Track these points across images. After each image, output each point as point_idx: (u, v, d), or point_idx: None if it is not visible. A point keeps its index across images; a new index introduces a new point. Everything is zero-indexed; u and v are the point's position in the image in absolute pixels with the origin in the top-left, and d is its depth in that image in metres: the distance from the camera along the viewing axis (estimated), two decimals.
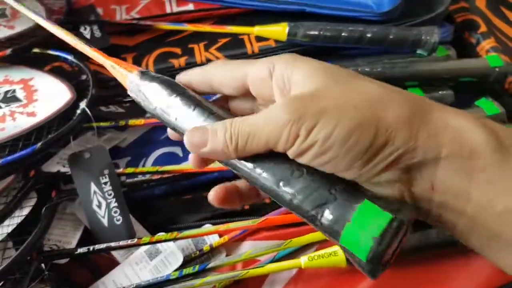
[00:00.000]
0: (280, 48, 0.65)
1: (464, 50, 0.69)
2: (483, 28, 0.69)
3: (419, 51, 0.63)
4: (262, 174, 0.30)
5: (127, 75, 0.37)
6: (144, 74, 0.36)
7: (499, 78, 0.60)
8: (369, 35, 0.61)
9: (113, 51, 0.65)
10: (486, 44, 0.67)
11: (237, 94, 0.35)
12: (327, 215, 0.27)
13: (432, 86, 0.59)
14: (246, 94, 0.34)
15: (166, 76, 0.64)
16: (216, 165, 0.53)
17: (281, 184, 0.29)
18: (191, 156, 0.36)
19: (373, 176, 0.28)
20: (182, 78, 0.36)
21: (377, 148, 0.27)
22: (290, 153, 0.29)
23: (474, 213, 0.27)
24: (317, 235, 0.48)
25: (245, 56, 0.65)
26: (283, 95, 0.31)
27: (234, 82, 0.34)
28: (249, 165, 0.30)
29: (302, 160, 0.28)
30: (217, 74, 0.35)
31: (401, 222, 0.25)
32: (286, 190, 0.29)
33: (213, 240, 0.50)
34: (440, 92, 0.58)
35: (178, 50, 0.66)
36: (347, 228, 0.26)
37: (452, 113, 0.28)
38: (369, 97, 0.28)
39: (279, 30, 0.63)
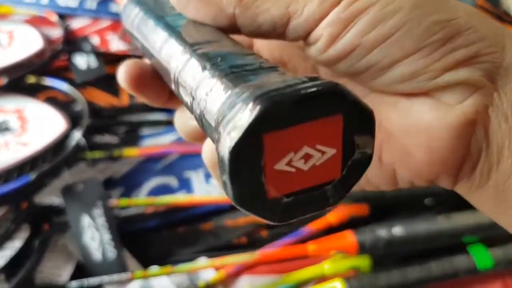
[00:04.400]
0: None
1: None
2: None
3: None
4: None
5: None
6: None
7: None
8: None
9: (109, 80, 0.66)
10: None
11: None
12: None
13: None
14: None
15: None
16: (210, 197, 0.53)
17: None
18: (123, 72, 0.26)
19: (445, 69, 0.20)
20: None
21: (457, 28, 0.20)
22: (332, 18, 0.20)
23: None
24: (315, 270, 0.48)
25: None
26: None
27: None
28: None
29: (351, 32, 0.20)
30: None
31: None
32: None
33: (209, 274, 0.50)
34: None
35: None
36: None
37: None
38: None
39: None
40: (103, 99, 0.64)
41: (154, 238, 0.53)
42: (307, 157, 0.15)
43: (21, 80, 0.62)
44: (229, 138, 0.14)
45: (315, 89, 0.15)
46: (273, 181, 0.15)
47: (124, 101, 0.64)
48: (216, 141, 0.15)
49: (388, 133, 0.22)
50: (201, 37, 0.22)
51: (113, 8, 0.69)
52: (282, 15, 0.21)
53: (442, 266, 0.47)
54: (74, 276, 0.49)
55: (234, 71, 0.18)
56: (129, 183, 0.58)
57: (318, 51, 0.21)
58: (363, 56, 0.20)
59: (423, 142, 0.21)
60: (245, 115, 0.14)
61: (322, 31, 0.20)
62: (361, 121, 0.16)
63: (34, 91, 0.62)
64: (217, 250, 0.52)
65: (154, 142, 0.60)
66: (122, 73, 0.26)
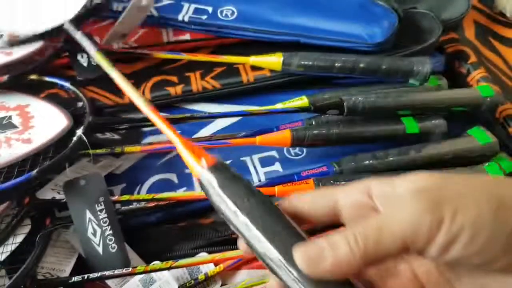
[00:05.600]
0: (275, 77, 0.66)
1: (454, 80, 0.71)
2: (473, 58, 0.71)
3: (411, 81, 0.64)
4: None
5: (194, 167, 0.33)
6: (214, 168, 0.32)
7: (490, 107, 0.61)
8: (362, 65, 0.63)
9: (110, 79, 0.66)
10: (477, 74, 0.69)
11: (326, 222, 0.32)
12: None
13: (424, 115, 0.60)
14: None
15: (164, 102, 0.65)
16: None
17: None
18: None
19: None
20: None
21: None
22: (435, 247, 0.25)
23: None
24: None
25: (240, 84, 0.66)
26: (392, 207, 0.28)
27: (324, 210, 0.31)
28: None
29: (449, 254, 0.25)
30: (304, 203, 0.32)
31: None
32: None
33: (209, 268, 0.50)
34: (432, 121, 0.59)
35: (174, 78, 0.67)
36: None
37: None
38: (493, 181, 0.28)
39: (275, 60, 0.64)
40: (104, 97, 0.65)
41: (155, 233, 0.54)
42: None
43: (22, 77, 0.62)
44: None
45: None
46: None
47: (125, 99, 0.65)
48: None
49: None
50: None
51: (114, 6, 0.70)
52: (401, 246, 0.25)
53: None
54: (75, 271, 0.50)
55: None
56: (130, 179, 0.58)
57: (435, 255, 0.26)
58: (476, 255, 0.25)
59: None
60: None
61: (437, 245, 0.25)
62: None
63: (36, 88, 0.63)
64: (217, 244, 0.52)
65: (155, 139, 0.61)
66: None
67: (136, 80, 0.67)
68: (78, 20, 0.58)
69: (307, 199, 0.32)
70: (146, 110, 0.40)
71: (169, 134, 0.36)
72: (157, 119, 0.38)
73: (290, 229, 0.29)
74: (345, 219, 0.31)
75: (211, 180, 0.31)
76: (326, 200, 0.31)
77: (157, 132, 0.63)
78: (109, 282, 0.49)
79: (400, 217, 0.25)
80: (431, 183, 0.26)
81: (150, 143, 0.59)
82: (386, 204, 0.28)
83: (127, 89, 0.44)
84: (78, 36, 0.56)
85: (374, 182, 0.30)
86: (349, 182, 0.33)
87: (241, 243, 0.31)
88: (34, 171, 0.50)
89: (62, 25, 0.57)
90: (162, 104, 0.66)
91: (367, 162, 0.56)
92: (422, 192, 0.26)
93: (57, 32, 0.58)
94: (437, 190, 0.26)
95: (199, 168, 0.32)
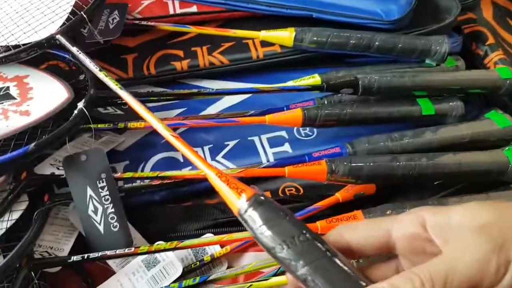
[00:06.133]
0: (286, 54, 0.64)
1: (471, 61, 0.68)
2: (491, 40, 0.68)
3: (427, 61, 0.62)
4: None
5: (235, 202, 0.32)
6: (254, 202, 0.31)
7: (510, 90, 0.59)
8: (377, 43, 0.60)
9: (113, 52, 0.64)
10: (494, 56, 0.66)
11: (377, 254, 0.32)
12: None
13: (441, 97, 0.58)
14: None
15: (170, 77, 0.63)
16: None
17: None
18: None
19: None
20: None
21: None
22: (503, 286, 0.26)
23: None
24: None
25: (249, 60, 0.63)
26: (448, 240, 0.28)
27: (376, 242, 0.31)
28: None
29: None
30: (355, 235, 0.31)
31: None
32: None
33: (214, 250, 0.48)
34: (450, 104, 0.57)
35: (180, 53, 0.64)
36: None
37: None
38: None
39: (286, 36, 0.62)
40: (107, 71, 0.62)
41: (158, 212, 0.52)
42: None
43: None
44: None
45: None
46: None
47: (130, 73, 0.62)
48: None
49: None
50: None
51: None
52: None
53: None
54: (74, 250, 0.48)
55: None
56: (133, 156, 0.56)
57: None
58: None
59: None
60: None
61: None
62: None
63: (35, 60, 0.60)
64: (222, 225, 0.50)
65: (159, 116, 0.58)
66: None
67: (140, 53, 0.64)
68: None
69: (359, 232, 0.31)
70: (167, 134, 0.40)
71: (201, 166, 0.36)
72: (181, 146, 0.39)
73: (344, 269, 0.28)
74: (400, 251, 0.30)
75: (254, 217, 0.30)
76: (380, 232, 0.30)
77: (162, 108, 0.60)
78: (110, 262, 0.47)
79: (466, 258, 0.25)
80: (490, 217, 0.27)
81: None
82: (443, 237, 0.28)
83: (142, 112, 0.44)
84: (75, 51, 0.53)
85: (427, 212, 0.29)
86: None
87: (289, 275, 0.30)
88: (32, 145, 0.48)
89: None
90: (167, 80, 0.64)
91: (382, 143, 0.53)
92: (484, 229, 0.26)
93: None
94: (498, 226, 0.26)
95: (240, 204, 0.31)
